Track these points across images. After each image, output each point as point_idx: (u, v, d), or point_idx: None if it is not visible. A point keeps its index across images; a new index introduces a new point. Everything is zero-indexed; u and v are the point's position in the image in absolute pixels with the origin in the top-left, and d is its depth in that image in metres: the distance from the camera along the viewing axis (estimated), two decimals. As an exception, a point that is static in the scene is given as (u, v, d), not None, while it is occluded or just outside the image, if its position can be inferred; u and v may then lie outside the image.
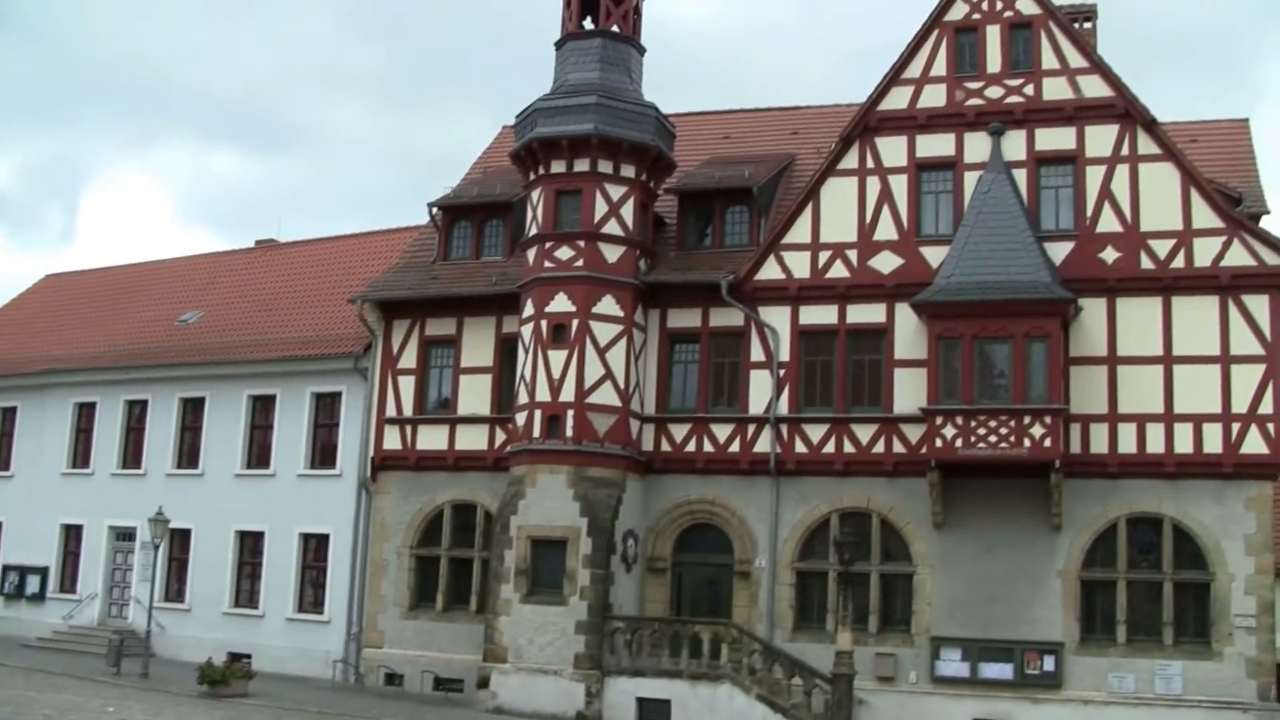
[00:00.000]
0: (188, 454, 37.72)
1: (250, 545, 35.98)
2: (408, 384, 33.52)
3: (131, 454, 38.74)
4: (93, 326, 42.62)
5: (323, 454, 35.29)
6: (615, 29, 32.21)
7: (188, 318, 40.47)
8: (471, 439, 32.58)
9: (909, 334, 29.49)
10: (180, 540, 36.34)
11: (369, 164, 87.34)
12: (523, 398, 30.70)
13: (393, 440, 33.38)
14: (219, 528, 36.03)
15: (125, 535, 38.16)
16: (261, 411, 36.68)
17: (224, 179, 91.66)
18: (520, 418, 30.65)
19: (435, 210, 34.74)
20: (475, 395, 32.77)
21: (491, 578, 30.34)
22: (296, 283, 39.78)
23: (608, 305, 30.52)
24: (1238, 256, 28.12)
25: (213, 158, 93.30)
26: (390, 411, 33.54)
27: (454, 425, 32.83)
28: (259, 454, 36.41)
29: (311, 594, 34.83)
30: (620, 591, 29.90)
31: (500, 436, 32.00)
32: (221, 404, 37.07)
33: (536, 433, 30.17)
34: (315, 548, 34.93)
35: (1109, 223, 28.99)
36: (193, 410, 37.82)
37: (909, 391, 29.24)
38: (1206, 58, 72.02)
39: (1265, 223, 29.50)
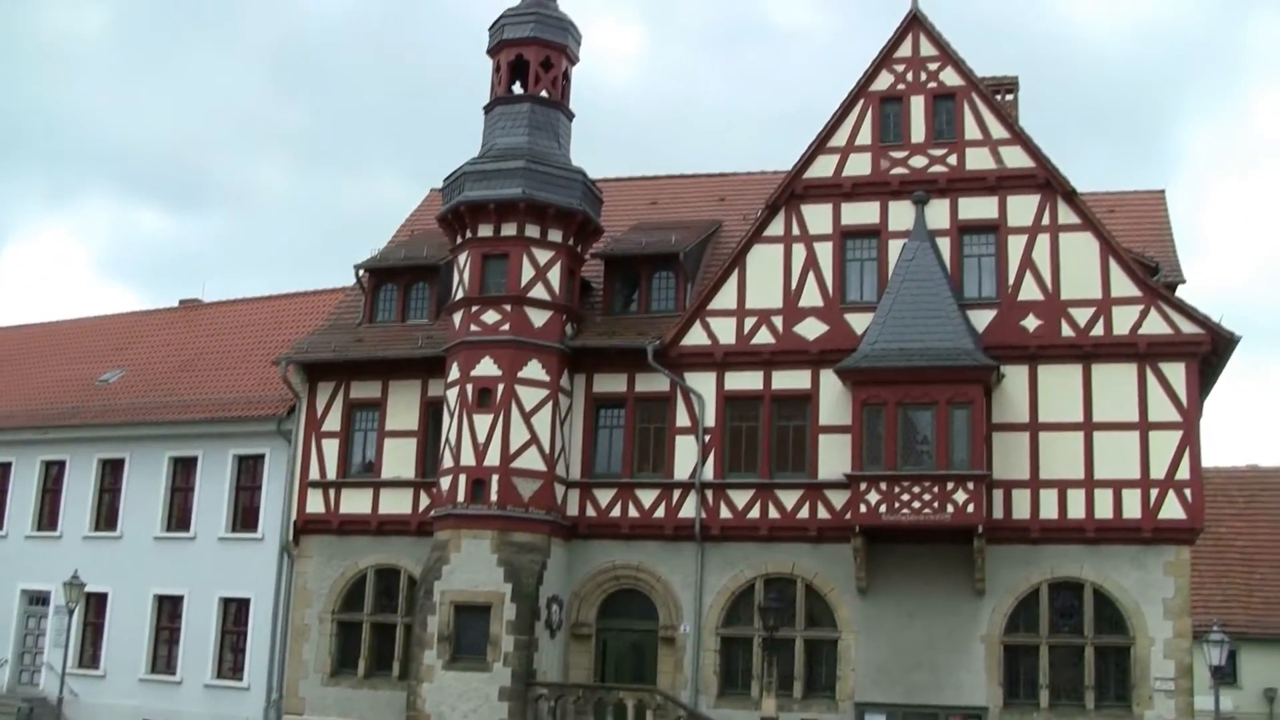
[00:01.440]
0: (106, 516, 37.04)
1: (169, 609, 35.29)
2: (331, 447, 33.20)
3: (47, 516, 37.96)
4: (9, 385, 41.87)
5: (244, 517, 34.79)
6: (544, 94, 32.35)
7: (108, 377, 39.89)
8: (395, 503, 32.29)
9: (834, 400, 29.65)
10: (96, 604, 35.62)
11: (293, 223, 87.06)
12: (447, 462, 30.53)
13: (316, 504, 33.01)
14: (137, 591, 35.35)
15: (38, 599, 37.36)
16: (182, 473, 36.14)
17: (146, 235, 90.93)
18: (445, 482, 30.46)
19: (362, 272, 34.61)
20: (400, 459, 32.51)
21: (414, 644, 29.99)
22: (220, 343, 39.35)
23: (534, 370, 30.46)
24: (1155, 325, 28.58)
25: (135, 213, 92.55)
26: (314, 474, 33.19)
27: (378, 489, 32.54)
28: (179, 516, 35.82)
29: (231, 659, 34.20)
30: (544, 658, 29.67)
31: (424, 501, 31.73)
32: (141, 465, 36.50)
33: (461, 497, 29.96)
34: (235, 612, 34.34)
35: (1030, 291, 29.38)
36: (112, 471, 37.21)
37: (833, 457, 29.35)
38: (1124, 128, 73.79)
39: (1181, 292, 30.04)
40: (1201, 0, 75.05)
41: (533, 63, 32.27)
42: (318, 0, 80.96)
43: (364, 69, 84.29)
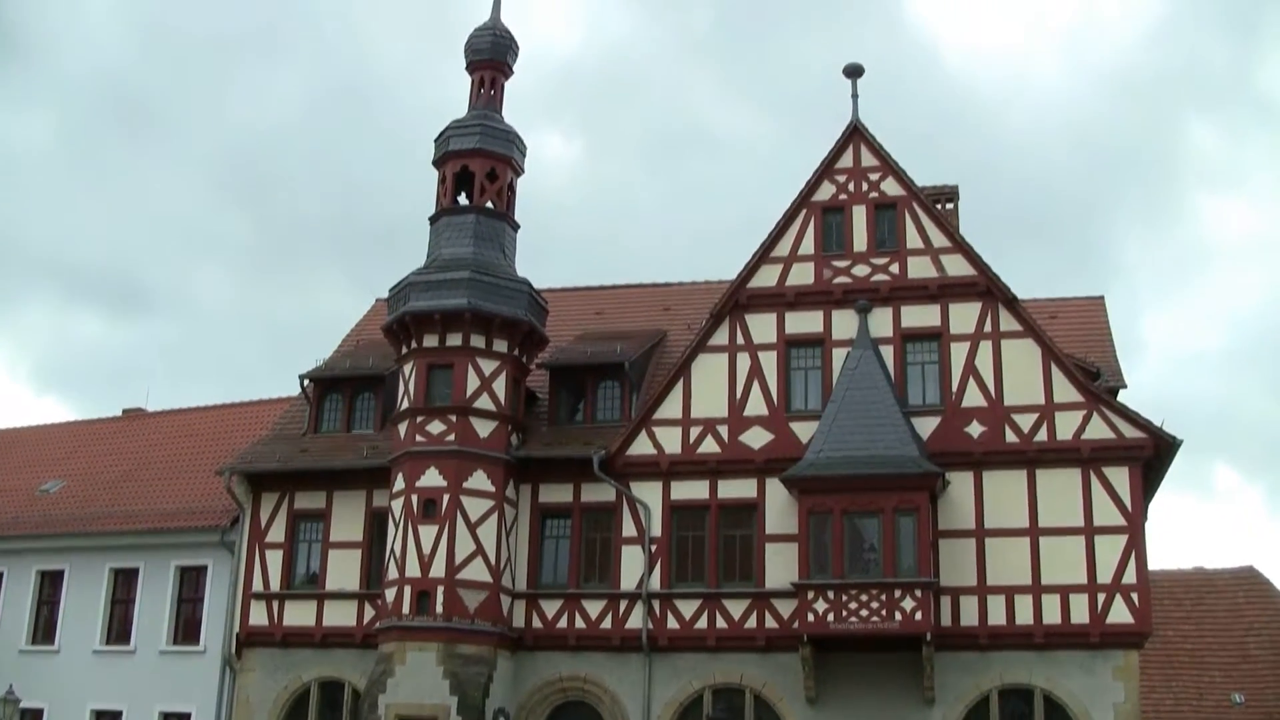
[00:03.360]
0: (44, 629, 36.24)
1: (108, 725, 34.68)
2: (275, 558, 32.82)
3: (-18, 629, 37.31)
4: (-54, 495, 41.32)
5: (186, 629, 34.21)
6: (490, 205, 32.58)
7: (48, 487, 39.36)
8: (340, 615, 31.89)
9: (780, 509, 29.66)
10: (32, 721, 34.96)
11: (236, 332, 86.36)
12: (392, 573, 30.25)
13: (259, 616, 32.53)
14: (74, 707, 34.49)
15: (-28, 716, 36.64)
16: (123, 585, 35.52)
17: (87, 343, 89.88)
18: (389, 593, 30.15)
19: (307, 382, 34.50)
20: (344, 570, 32.18)
21: (359, 759, 29.56)
22: (163, 452, 38.97)
23: (479, 480, 30.33)
24: (1098, 430, 28.80)
25: (75, 321, 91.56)
26: (257, 586, 32.76)
27: (322, 601, 32.15)
28: (119, 629, 35.16)
29: (173, 777, 33.58)
30: (491, 772, 29.26)
31: (369, 613, 31.35)
32: (81, 577, 35.87)
33: (406, 609, 29.64)
34: (177, 728, 33.77)
35: (974, 397, 29.58)
36: (50, 583, 36.51)
37: (780, 566, 29.29)
38: (1063, 235, 74.93)
39: (1123, 396, 30.34)
40: (1134, 108, 76.63)
41: (478, 174, 32.52)
42: (260, 111, 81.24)
43: (306, 179, 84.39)
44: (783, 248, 31.35)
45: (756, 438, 30.39)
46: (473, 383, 30.74)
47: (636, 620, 30.05)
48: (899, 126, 52.71)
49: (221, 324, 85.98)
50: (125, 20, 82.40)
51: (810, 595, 28.16)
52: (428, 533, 29.95)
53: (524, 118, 51.28)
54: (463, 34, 34.51)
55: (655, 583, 30.20)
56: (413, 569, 29.84)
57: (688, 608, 29.91)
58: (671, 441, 30.84)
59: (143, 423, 42.21)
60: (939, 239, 30.61)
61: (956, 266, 30.29)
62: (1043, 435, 29.02)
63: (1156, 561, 32.19)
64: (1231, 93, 76.05)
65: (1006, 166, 72.12)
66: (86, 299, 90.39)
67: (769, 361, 30.81)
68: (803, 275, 31.09)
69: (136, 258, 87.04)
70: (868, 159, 31.51)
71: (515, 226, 33.10)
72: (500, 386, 31.02)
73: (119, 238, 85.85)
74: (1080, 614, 28.01)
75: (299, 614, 32.29)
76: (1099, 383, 29.89)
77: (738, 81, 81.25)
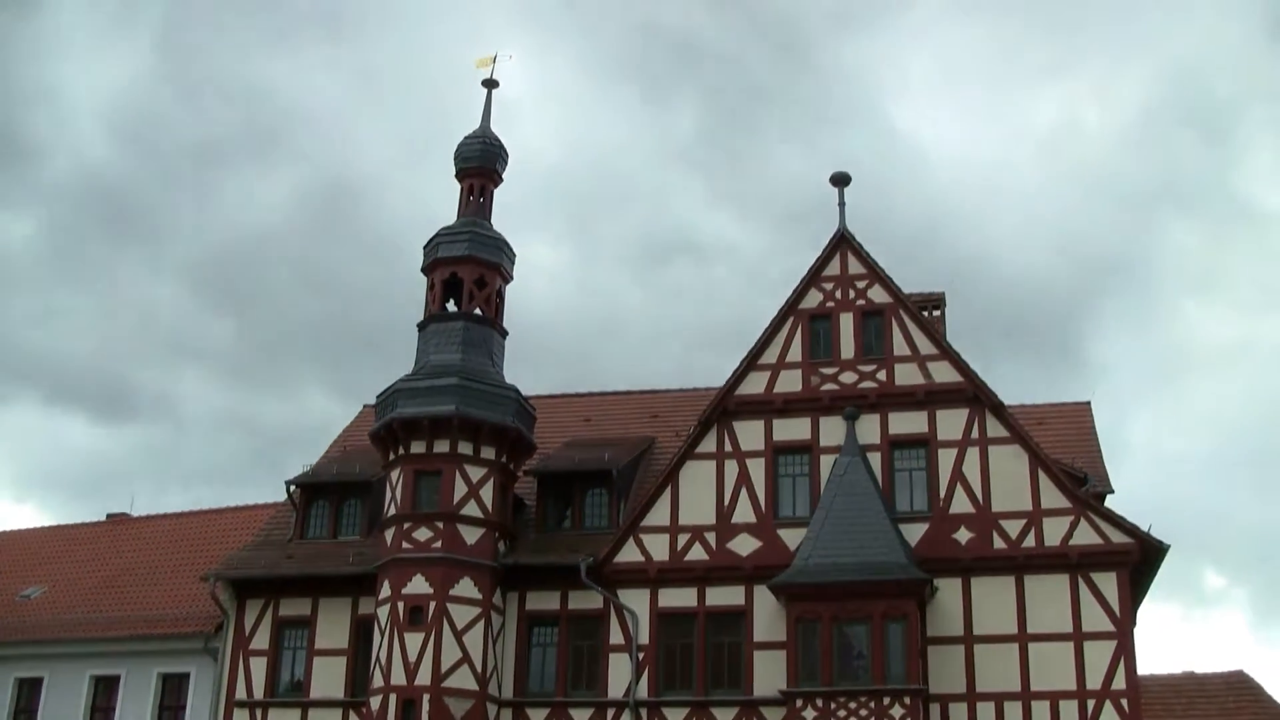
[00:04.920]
0: (22, 738, 35.97)
1: (86, 839, 34.12)
2: (259, 665, 32.50)
3: (-42, 738, 36.83)
4: (-74, 601, 40.93)
5: (168, 739, 33.86)
6: (478, 311, 32.78)
7: (29, 592, 38.99)
8: (324, 723, 31.62)
9: (768, 616, 29.53)
10: (7, 834, 34.43)
11: (221, 437, 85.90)
12: (378, 681, 29.96)
13: (242, 725, 32.25)
14: (53, 821, 34.18)
15: (-56, 827, 36.02)
16: (104, 693, 35.03)
17: (70, 447, 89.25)
18: (375, 701, 29.84)
19: (293, 488, 34.41)
20: (329, 678, 31.88)
21: None
22: (147, 558, 38.65)
23: (466, 587, 30.19)
24: (1085, 535, 28.86)
25: (58, 425, 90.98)
26: (241, 694, 32.41)
27: (306, 709, 31.80)
28: (100, 739, 34.82)
29: None
30: None
31: (354, 721, 31.12)
32: (61, 685, 35.36)
33: (391, 717, 29.30)
34: (158, 840, 33.26)
35: (962, 504, 29.66)
36: (29, 691, 35.94)
37: (769, 673, 29.11)
38: (1048, 341, 75.37)
39: (1110, 502, 30.54)
40: (1115, 212, 77.37)
41: (467, 281, 32.76)
42: (246, 214, 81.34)
43: (292, 284, 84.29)
44: (770, 355, 31.54)
45: (744, 545, 30.34)
46: (460, 489, 30.70)
47: (624, 729, 29.84)
48: (884, 233, 53.19)
49: (207, 428, 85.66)
50: (111, 123, 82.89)
51: (799, 703, 27.96)
52: (414, 640, 29.72)
53: (510, 224, 51.65)
54: (450, 139, 34.89)
55: (643, 691, 29.96)
56: (398, 677, 29.56)
57: (676, 716, 29.68)
58: (659, 549, 30.78)
59: (127, 528, 41.89)
60: (926, 346, 30.83)
61: (943, 373, 30.49)
62: (1030, 541, 29.06)
63: (1146, 666, 32.17)
64: (1209, 196, 77.03)
65: (991, 272, 72.65)
66: (70, 402, 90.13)
67: (757, 468, 30.87)
68: (790, 382, 31.24)
69: (121, 360, 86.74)
70: (855, 266, 31.82)
71: (503, 333, 33.30)
72: (488, 493, 30.98)
73: (103, 340, 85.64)
74: (1070, 721, 27.85)
75: (283, 722, 31.91)
76: (1086, 488, 30.01)
77: (723, 188, 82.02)
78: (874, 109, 79.89)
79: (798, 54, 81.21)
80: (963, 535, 29.38)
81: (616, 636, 30.54)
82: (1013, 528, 29.22)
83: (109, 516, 43.55)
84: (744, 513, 30.62)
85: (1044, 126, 79.47)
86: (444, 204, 33.62)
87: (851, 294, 31.60)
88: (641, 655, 30.23)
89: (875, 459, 30.19)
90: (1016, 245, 76.43)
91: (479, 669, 29.98)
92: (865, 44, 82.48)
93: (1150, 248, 75.62)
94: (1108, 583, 28.62)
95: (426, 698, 29.36)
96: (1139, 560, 28.83)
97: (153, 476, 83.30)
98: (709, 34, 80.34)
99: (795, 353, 31.43)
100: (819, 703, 27.79)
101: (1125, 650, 28.18)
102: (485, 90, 35.64)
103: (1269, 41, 75.11)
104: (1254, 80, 76.64)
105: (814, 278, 31.89)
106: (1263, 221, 76.78)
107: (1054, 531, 29.01)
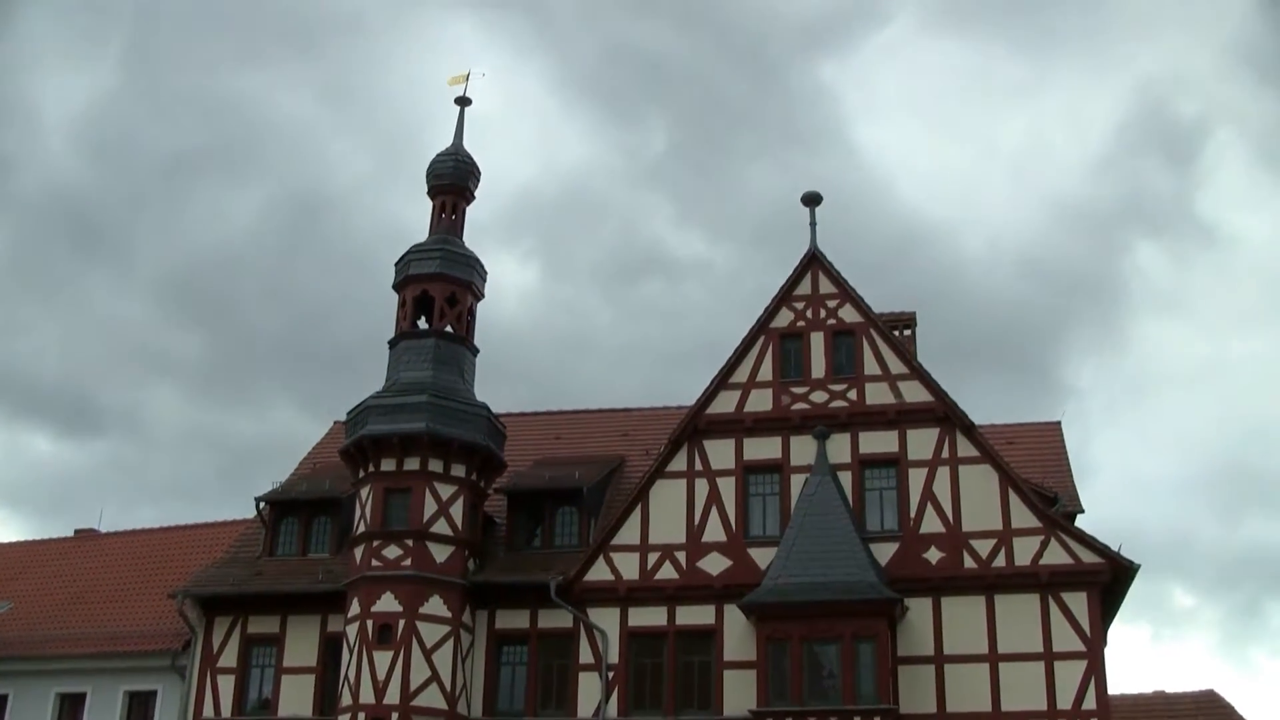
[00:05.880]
0: (-15, 757, 35.67)
1: None
2: (227, 683, 32.30)
3: (-79, 757, 36.46)
4: (-111, 618, 40.54)
5: (134, 758, 33.60)
6: (449, 329, 32.73)
7: (-6, 609, 38.78)
8: (292, 742, 31.42)
9: (738, 635, 29.47)
10: None
11: (189, 452, 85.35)
12: (346, 699, 29.81)
13: (209, 742, 32.06)
14: (15, 841, 33.89)
15: None
16: (69, 711, 34.71)
17: (36, 462, 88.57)
18: (343, 720, 29.77)
19: (262, 505, 34.24)
20: (297, 696, 31.71)
21: None
22: (114, 575, 38.38)
23: (435, 605, 30.10)
24: (1056, 555, 28.92)
25: (24, 440, 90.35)
26: (208, 712, 32.19)
27: (274, 728, 31.69)
28: (64, 758, 34.51)
29: None
30: None
31: (322, 740, 30.95)
32: (26, 703, 35.00)
33: (360, 736, 29.24)
34: None
35: (932, 523, 29.69)
36: (-6, 709, 35.92)
37: (739, 693, 29.04)
38: (1018, 361, 75.43)
39: (1080, 521, 30.56)
40: (1082, 233, 77.55)
41: (438, 298, 32.74)
42: (214, 229, 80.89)
43: (261, 299, 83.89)
44: (741, 374, 31.55)
45: (715, 564, 30.31)
46: (430, 507, 30.62)
47: (594, 749, 29.73)
48: (855, 252, 53.31)
49: (176, 444, 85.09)
50: (80, 137, 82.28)
51: (769, 722, 27.95)
52: (383, 658, 29.60)
53: (480, 241, 51.62)
54: (420, 154, 34.99)
55: (613, 710, 29.86)
56: (367, 695, 29.44)
57: (646, 735, 29.62)
58: (629, 567, 30.71)
59: (94, 544, 41.57)
60: (897, 365, 30.88)
61: (914, 393, 30.53)
62: (1001, 561, 29.10)
63: (1116, 686, 32.15)
64: (1175, 218, 77.33)
65: (962, 292, 72.71)
66: (37, 416, 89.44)
67: (727, 487, 30.85)
68: (761, 401, 31.26)
69: (89, 375, 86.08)
70: (826, 286, 31.89)
71: (475, 351, 33.28)
72: (458, 511, 30.90)
73: (70, 355, 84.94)
74: (1041, 741, 27.86)
75: (250, 741, 31.75)
76: (1056, 508, 30.06)
77: (694, 207, 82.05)
78: (844, 129, 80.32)
79: (768, 73, 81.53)
80: (933, 555, 29.40)
81: (586, 655, 30.44)
82: (983, 547, 29.25)
83: (76, 532, 43.24)
84: (714, 531, 30.58)
85: (1013, 147, 79.95)
86: (415, 220, 33.62)
87: (822, 313, 31.65)
88: (611, 674, 30.13)
89: (846, 478, 30.20)
90: (986, 265, 76.74)
91: (448, 688, 29.86)
92: (836, 64, 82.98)
93: (1116, 268, 75.87)
94: (1078, 602, 28.66)
95: (395, 716, 29.24)
96: (1109, 580, 28.89)
97: (121, 492, 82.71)
98: (680, 53, 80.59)
99: (766, 372, 31.45)
100: (789, 722, 27.78)
101: (1095, 670, 28.22)
102: (458, 108, 35.71)
103: (1235, 65, 75.47)
104: (1220, 103, 77.17)
105: (785, 297, 31.93)
106: (1229, 243, 77.47)
107: (1024, 551, 29.05)
